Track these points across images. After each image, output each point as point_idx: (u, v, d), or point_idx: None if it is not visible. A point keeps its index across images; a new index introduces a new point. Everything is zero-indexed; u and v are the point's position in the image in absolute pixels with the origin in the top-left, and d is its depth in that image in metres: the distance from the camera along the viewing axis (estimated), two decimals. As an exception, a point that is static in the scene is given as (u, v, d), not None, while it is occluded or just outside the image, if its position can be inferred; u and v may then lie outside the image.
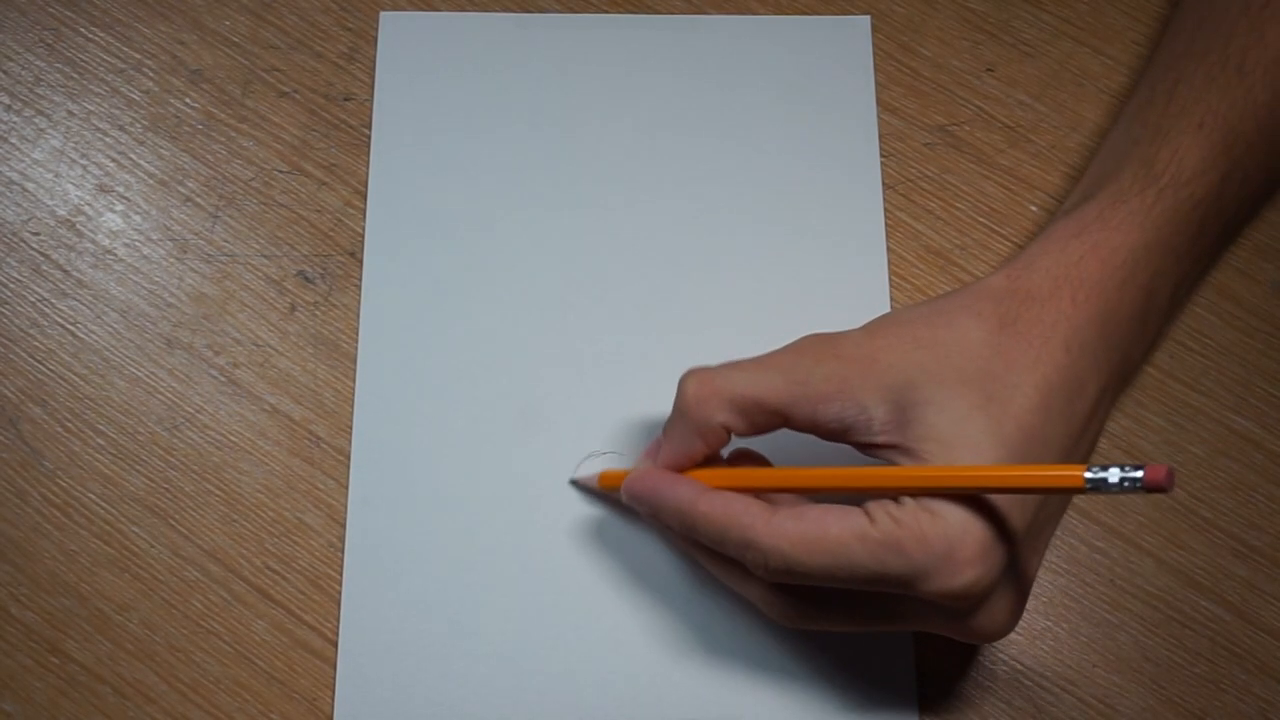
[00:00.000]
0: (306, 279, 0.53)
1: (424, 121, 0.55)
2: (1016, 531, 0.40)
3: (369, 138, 0.55)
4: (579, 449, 0.51)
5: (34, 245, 0.54)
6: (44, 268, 0.53)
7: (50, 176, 0.54)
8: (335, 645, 0.49)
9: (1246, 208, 0.49)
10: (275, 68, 0.56)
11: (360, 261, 0.53)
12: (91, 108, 0.55)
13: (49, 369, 0.52)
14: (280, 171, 0.54)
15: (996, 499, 0.40)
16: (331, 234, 0.54)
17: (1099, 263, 0.43)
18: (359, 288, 0.53)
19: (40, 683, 0.48)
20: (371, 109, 0.55)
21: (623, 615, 0.49)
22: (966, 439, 0.40)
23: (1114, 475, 0.36)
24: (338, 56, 0.55)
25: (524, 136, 0.55)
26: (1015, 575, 0.42)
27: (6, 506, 0.50)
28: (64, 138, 0.55)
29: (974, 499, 0.39)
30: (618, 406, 0.51)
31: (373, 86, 0.55)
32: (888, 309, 0.52)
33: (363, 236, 0.53)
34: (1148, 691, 0.49)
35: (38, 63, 0.56)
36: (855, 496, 0.41)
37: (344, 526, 0.50)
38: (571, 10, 0.56)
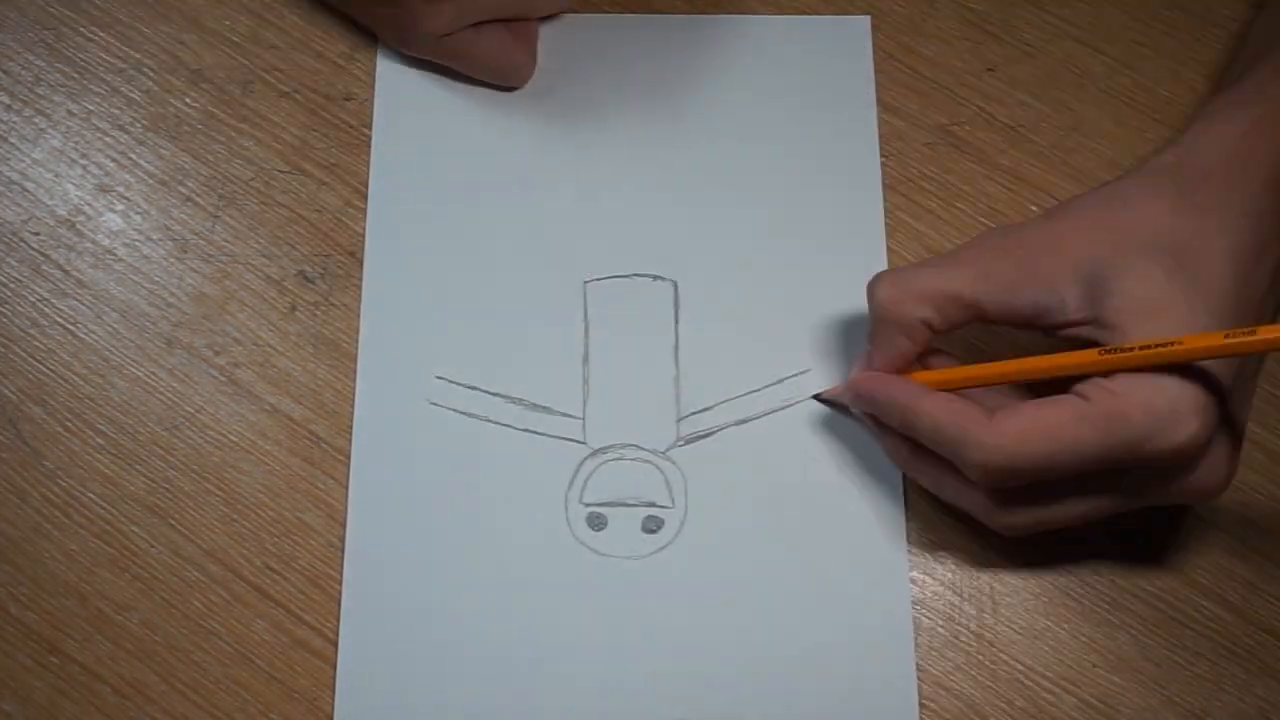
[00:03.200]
0: (307, 279, 0.53)
1: (424, 121, 0.55)
2: (1225, 385, 0.42)
3: (369, 138, 0.55)
4: (581, 446, 0.51)
5: (34, 245, 0.54)
6: (44, 267, 0.53)
7: (50, 176, 0.54)
8: (335, 645, 0.49)
9: None
10: (275, 67, 0.56)
11: (360, 261, 0.53)
12: (92, 107, 0.55)
13: (49, 369, 0.52)
14: (280, 171, 0.54)
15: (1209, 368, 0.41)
16: (331, 234, 0.54)
17: (1263, 134, 0.45)
18: (359, 288, 0.53)
19: (40, 683, 0.48)
20: (371, 109, 0.55)
21: (623, 615, 0.49)
22: (1167, 305, 0.42)
23: None
24: (338, 56, 0.55)
25: (524, 136, 0.55)
26: (1228, 428, 0.43)
27: (6, 506, 0.50)
28: (64, 137, 0.55)
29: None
30: (618, 404, 0.51)
31: (373, 86, 0.55)
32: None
33: (363, 236, 0.53)
34: (1148, 691, 0.49)
35: (38, 62, 0.56)
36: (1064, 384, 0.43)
37: (344, 526, 0.50)
38: (572, 10, 0.56)
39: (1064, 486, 0.44)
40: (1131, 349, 0.41)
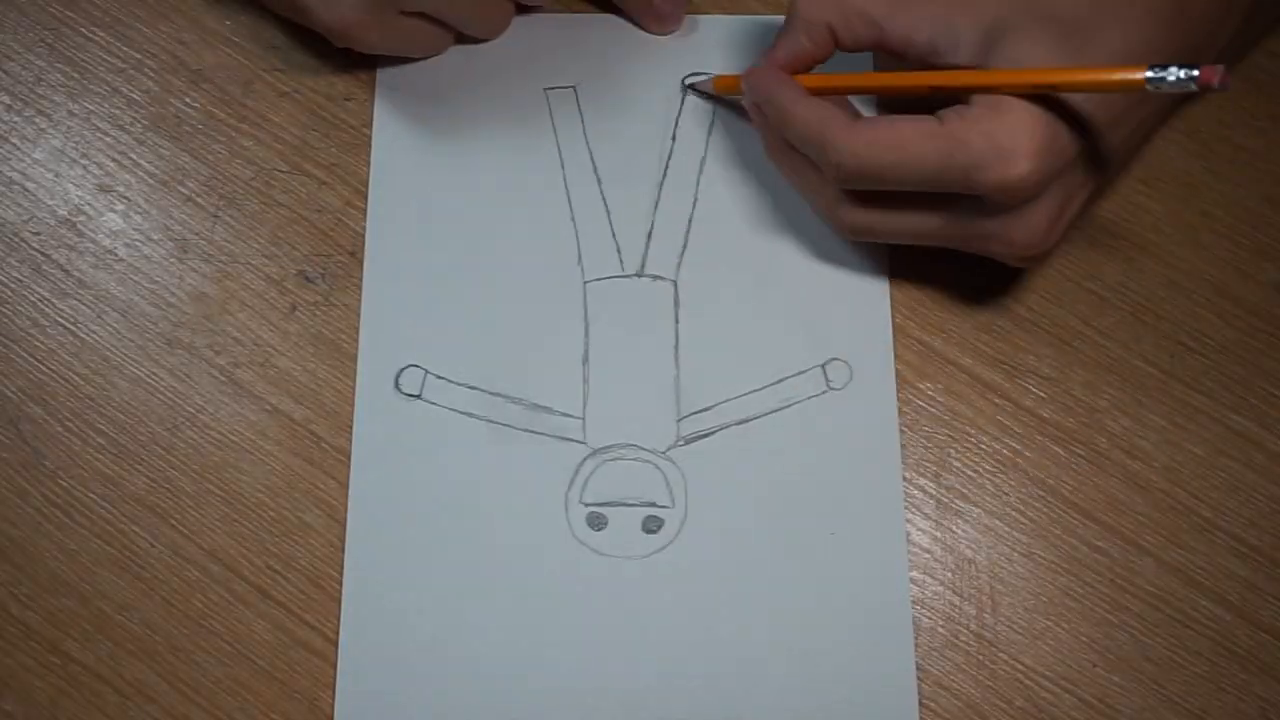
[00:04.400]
0: (307, 279, 0.53)
1: (424, 121, 0.55)
2: (1100, 129, 0.45)
3: (369, 138, 0.55)
4: (581, 446, 0.51)
5: (34, 245, 0.54)
6: (44, 267, 0.53)
7: (50, 176, 0.55)
8: (335, 645, 0.49)
9: None
10: (275, 68, 0.56)
11: (360, 261, 0.53)
12: (92, 107, 0.55)
13: (49, 369, 0.52)
14: (281, 171, 0.54)
15: (1078, 107, 0.44)
16: (332, 234, 0.54)
17: None
18: (359, 288, 0.53)
19: (40, 683, 0.49)
20: (371, 109, 0.55)
21: (623, 615, 0.49)
22: (1045, 66, 0.44)
23: (1172, 75, 0.41)
24: (338, 56, 0.55)
25: (524, 136, 0.55)
26: (1062, 191, 0.46)
27: (7, 506, 0.50)
28: (64, 137, 0.55)
29: (1052, 103, 0.44)
30: (618, 404, 0.51)
31: (373, 86, 0.55)
32: (888, 309, 0.52)
33: (363, 236, 0.53)
34: (1148, 691, 0.49)
35: (38, 62, 0.56)
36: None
37: (344, 526, 0.50)
38: (572, 10, 0.56)
39: (904, 199, 0.47)
40: (977, 74, 0.45)
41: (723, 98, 0.55)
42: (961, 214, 0.47)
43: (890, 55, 0.49)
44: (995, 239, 0.47)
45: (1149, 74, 0.42)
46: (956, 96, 0.46)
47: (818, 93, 0.49)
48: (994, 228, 0.47)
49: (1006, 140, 0.44)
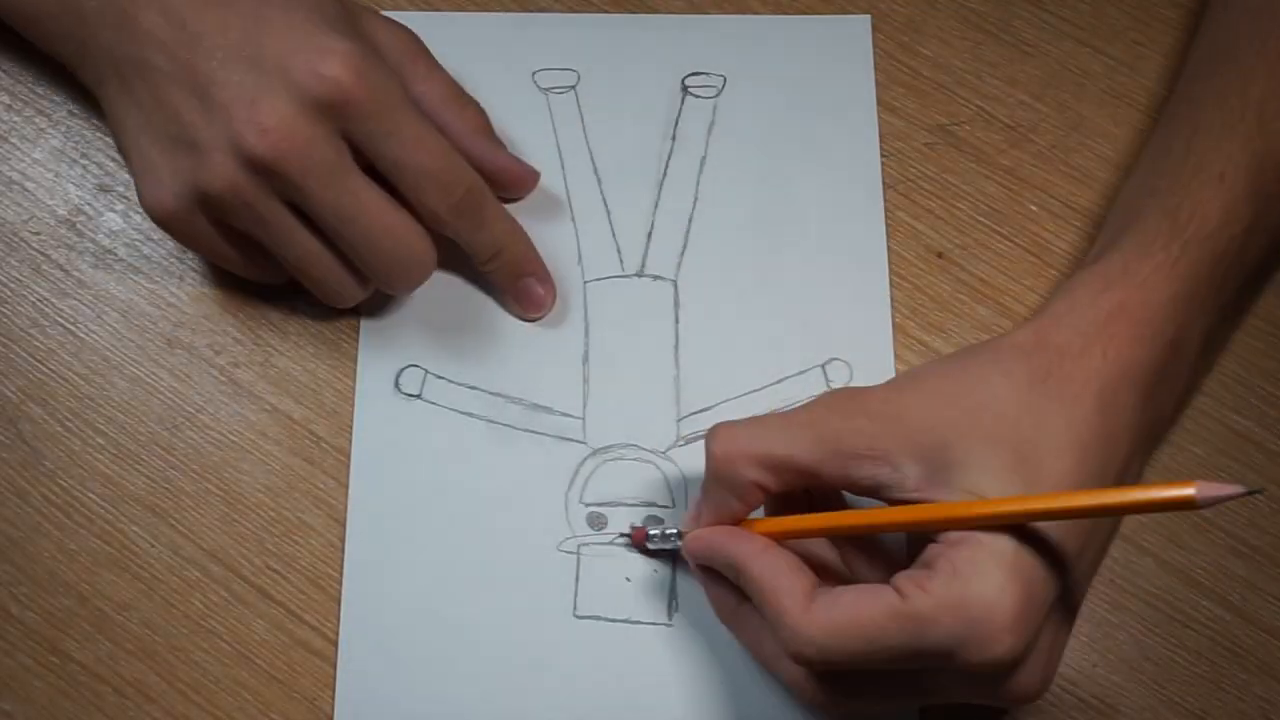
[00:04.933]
0: (307, 279, 0.53)
1: (424, 121, 0.55)
2: (1073, 559, 0.40)
3: (369, 137, 0.54)
4: (582, 447, 0.51)
5: (34, 245, 0.54)
6: (44, 267, 0.53)
7: (50, 176, 0.54)
8: (335, 645, 0.49)
9: (1269, 258, 0.49)
10: (275, 67, 0.56)
11: (360, 261, 0.53)
12: (92, 107, 0.55)
13: (49, 369, 0.52)
14: (280, 171, 0.54)
15: (1052, 541, 0.39)
16: (332, 234, 0.54)
17: (1128, 318, 0.43)
18: (359, 287, 0.53)
19: (40, 683, 0.49)
20: (372, 109, 0.55)
21: (623, 615, 0.49)
22: (1005, 496, 0.39)
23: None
24: (338, 56, 0.55)
25: (523, 136, 0.55)
26: (1051, 632, 0.41)
27: (6, 506, 0.50)
28: (64, 137, 0.55)
29: (1022, 540, 0.39)
30: (618, 404, 0.51)
31: (373, 86, 0.55)
32: (888, 309, 0.52)
33: (363, 236, 0.53)
34: (1148, 691, 0.49)
35: (38, 62, 0.56)
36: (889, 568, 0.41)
37: (344, 526, 0.50)
38: (571, 10, 0.56)
39: (878, 677, 0.42)
40: (960, 508, 0.39)
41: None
42: (947, 684, 0.41)
43: (829, 490, 0.44)
44: (993, 700, 0.42)
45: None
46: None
47: (777, 537, 0.43)
48: (987, 692, 0.41)
49: (981, 612, 0.38)
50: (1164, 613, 0.49)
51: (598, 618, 0.49)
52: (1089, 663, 0.49)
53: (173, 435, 0.51)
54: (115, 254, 0.53)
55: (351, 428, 0.51)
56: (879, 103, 0.55)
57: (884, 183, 0.54)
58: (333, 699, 0.48)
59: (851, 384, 0.51)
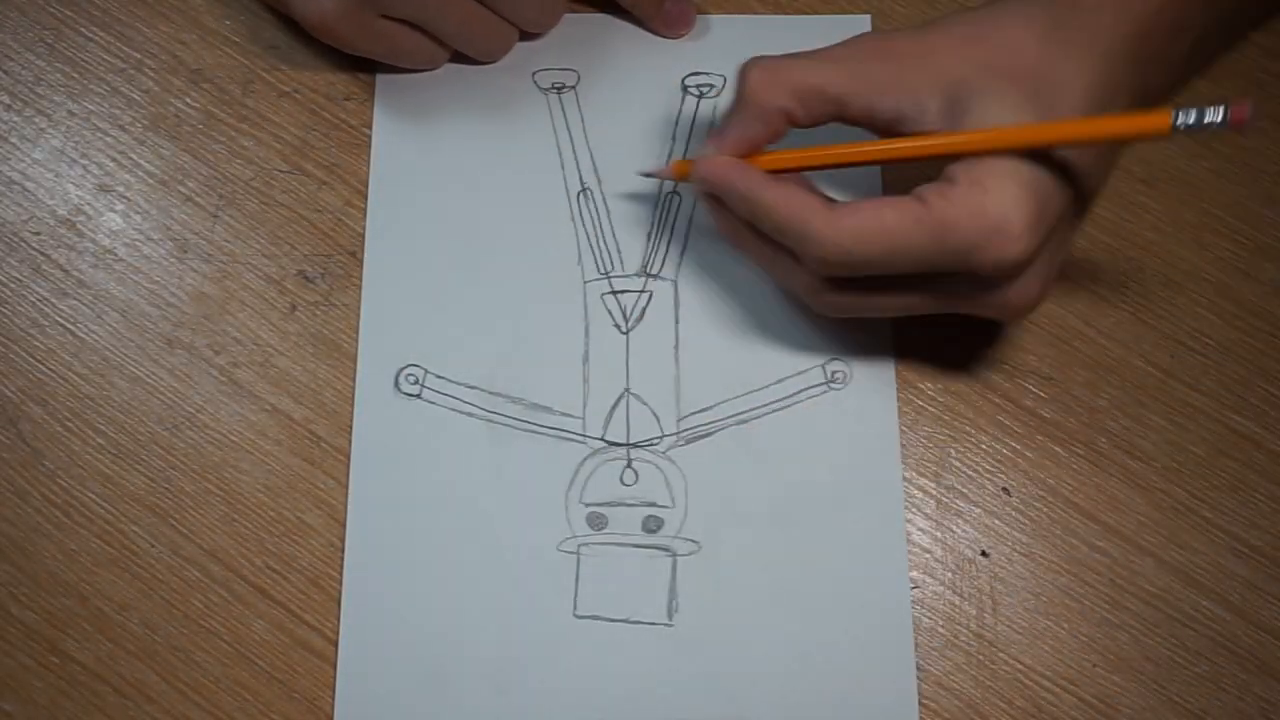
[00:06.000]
0: (307, 279, 0.53)
1: (424, 121, 0.55)
2: (1085, 175, 0.44)
3: (369, 138, 0.55)
4: (582, 447, 0.51)
5: (34, 245, 0.54)
6: (44, 267, 0.53)
7: (50, 176, 0.54)
8: (335, 645, 0.49)
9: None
10: (275, 67, 0.56)
11: (360, 261, 0.53)
12: (92, 107, 0.55)
13: (49, 369, 0.52)
14: (280, 171, 0.54)
15: (1066, 159, 0.43)
16: (331, 234, 0.54)
17: None
18: (359, 288, 0.53)
19: (40, 683, 0.49)
20: (371, 109, 0.55)
21: (623, 615, 0.49)
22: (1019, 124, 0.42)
23: (1204, 116, 0.40)
24: (338, 56, 0.55)
25: (524, 136, 0.55)
26: (1052, 249, 0.45)
27: (6, 506, 0.50)
28: (64, 137, 0.55)
29: (1037, 160, 0.43)
30: (619, 403, 0.51)
31: (373, 86, 0.55)
32: (888, 308, 0.53)
33: (363, 236, 0.53)
34: (1148, 691, 0.49)
35: (38, 62, 0.56)
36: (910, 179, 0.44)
37: (344, 526, 0.50)
38: (572, 10, 0.56)
39: (890, 279, 0.45)
40: (980, 135, 0.43)
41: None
42: (954, 288, 0.45)
43: (851, 125, 0.46)
44: (990, 307, 0.46)
45: (1178, 119, 0.41)
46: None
47: (777, 173, 0.46)
48: (989, 298, 0.45)
49: (998, 218, 0.42)
50: (1164, 613, 0.49)
51: (597, 618, 0.49)
52: (1089, 663, 0.49)
53: (173, 435, 0.51)
54: (115, 254, 0.53)
55: (351, 428, 0.51)
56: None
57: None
58: (333, 699, 0.48)
59: (852, 385, 0.51)
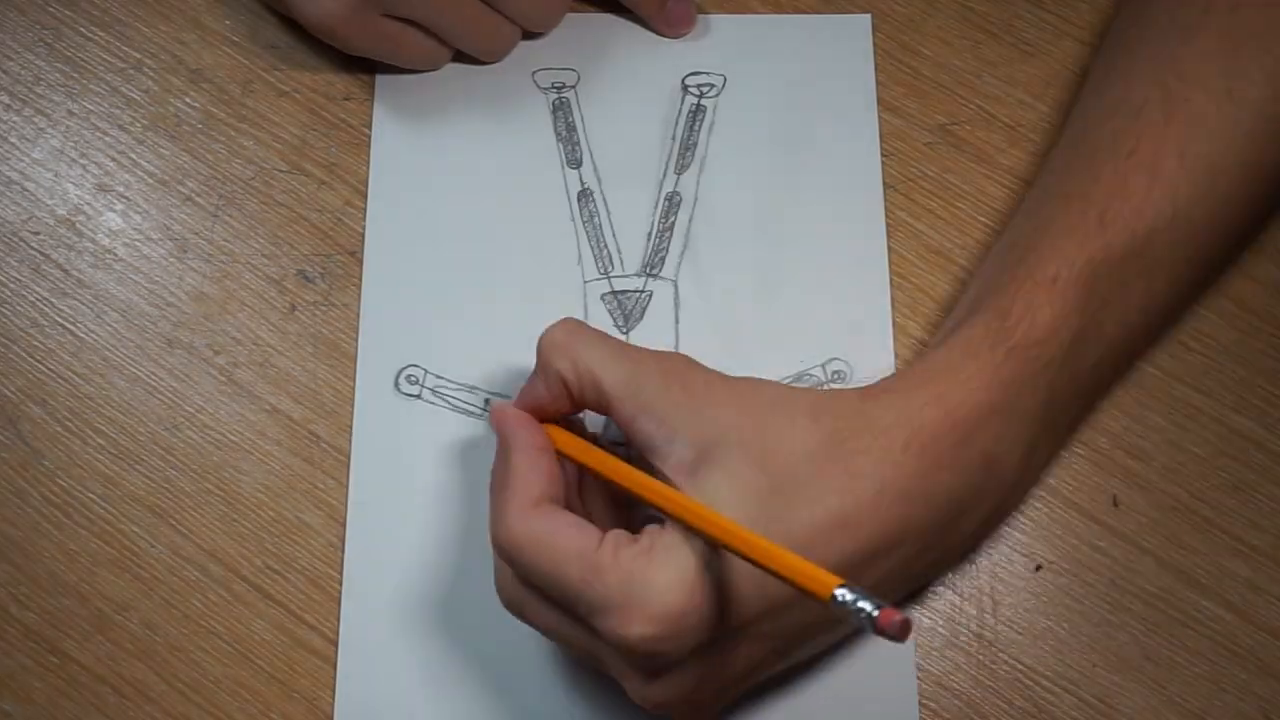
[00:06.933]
0: (306, 279, 0.53)
1: (424, 121, 0.55)
2: (736, 619, 0.40)
3: (369, 138, 0.55)
4: (579, 449, 0.51)
5: (34, 245, 0.54)
6: (44, 267, 0.53)
7: (50, 176, 0.54)
8: (335, 645, 0.49)
9: (1105, 371, 0.48)
10: (275, 67, 0.56)
11: (360, 261, 0.53)
12: (91, 107, 0.55)
13: (49, 368, 0.52)
14: (280, 171, 0.54)
15: (737, 581, 0.40)
16: (331, 234, 0.54)
17: (941, 414, 0.42)
18: (359, 288, 0.53)
19: (40, 683, 0.49)
20: (371, 109, 0.55)
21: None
22: (734, 515, 0.40)
23: (859, 604, 0.35)
24: (338, 56, 0.55)
25: (524, 136, 0.55)
26: (709, 664, 0.41)
27: (6, 506, 0.50)
28: (64, 137, 0.55)
29: (721, 580, 0.40)
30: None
31: (373, 86, 0.55)
32: (888, 309, 0.52)
33: (362, 236, 0.53)
34: (1148, 691, 0.49)
35: (38, 62, 0.56)
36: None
37: (344, 526, 0.50)
38: (572, 9, 0.56)
39: (557, 606, 0.42)
40: (674, 495, 0.40)
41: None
42: (598, 644, 0.41)
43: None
44: (622, 680, 0.42)
45: (839, 591, 0.35)
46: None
47: (565, 452, 0.45)
48: (617, 670, 0.42)
49: (639, 595, 0.38)
50: (1164, 613, 0.49)
51: (598, 618, 0.49)
52: (1089, 663, 0.49)
53: (173, 435, 0.51)
54: (115, 254, 0.53)
55: (351, 428, 0.51)
56: (879, 102, 0.55)
57: (884, 182, 0.54)
58: (333, 699, 0.48)
59: (851, 384, 0.51)
